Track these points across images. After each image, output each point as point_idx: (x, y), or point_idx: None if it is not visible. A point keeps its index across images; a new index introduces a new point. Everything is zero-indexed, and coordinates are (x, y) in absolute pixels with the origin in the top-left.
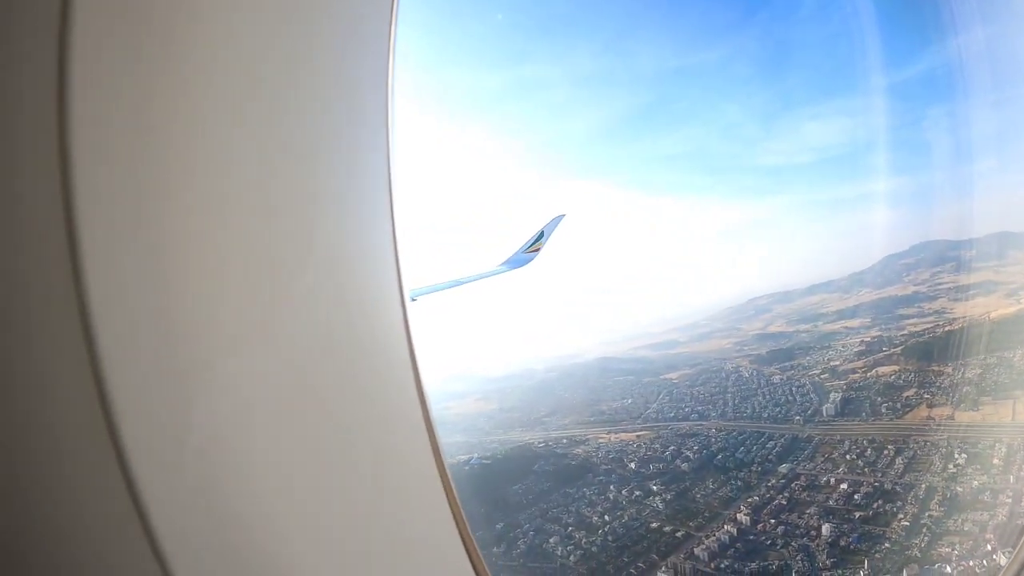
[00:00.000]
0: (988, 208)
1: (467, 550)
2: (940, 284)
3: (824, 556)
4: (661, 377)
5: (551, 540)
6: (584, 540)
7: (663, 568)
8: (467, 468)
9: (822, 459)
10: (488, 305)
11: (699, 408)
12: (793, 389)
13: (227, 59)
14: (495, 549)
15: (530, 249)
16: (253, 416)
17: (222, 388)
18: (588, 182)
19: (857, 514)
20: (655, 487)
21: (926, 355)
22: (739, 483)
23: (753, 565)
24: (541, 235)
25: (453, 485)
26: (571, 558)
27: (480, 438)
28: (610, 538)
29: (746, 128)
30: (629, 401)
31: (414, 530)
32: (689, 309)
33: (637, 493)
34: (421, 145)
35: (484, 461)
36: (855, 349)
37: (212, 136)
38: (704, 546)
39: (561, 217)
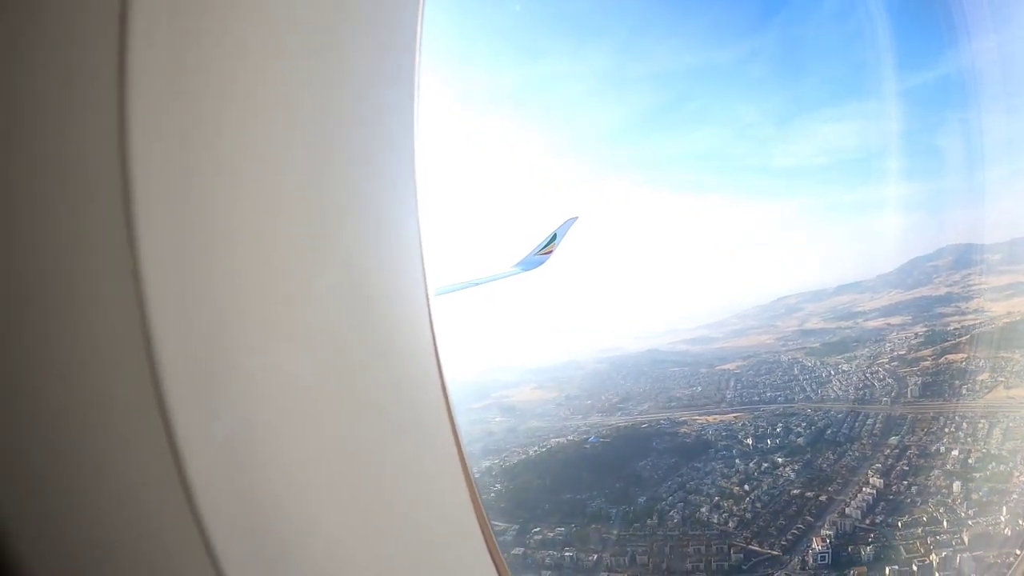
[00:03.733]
0: (1005, 214)
1: (487, 544)
2: (973, 285)
3: (964, 508)
4: (717, 368)
5: (702, 509)
6: (735, 508)
7: (823, 527)
8: (587, 447)
9: (923, 432)
10: (507, 304)
11: (779, 393)
12: (868, 375)
13: (254, 61)
14: (648, 521)
15: (543, 251)
16: (278, 410)
17: (248, 383)
18: (604, 180)
19: (976, 474)
20: (780, 459)
21: (993, 344)
22: (856, 454)
23: (906, 518)
24: (554, 237)
25: (475, 480)
26: (728, 524)
27: (560, 423)
28: (758, 505)
29: (762, 129)
30: (699, 389)
31: (436, 523)
32: (712, 307)
33: (765, 465)
34: (439, 143)
35: (604, 440)
36: (914, 341)
37: (240, 136)
38: (854, 505)
39: (574, 219)
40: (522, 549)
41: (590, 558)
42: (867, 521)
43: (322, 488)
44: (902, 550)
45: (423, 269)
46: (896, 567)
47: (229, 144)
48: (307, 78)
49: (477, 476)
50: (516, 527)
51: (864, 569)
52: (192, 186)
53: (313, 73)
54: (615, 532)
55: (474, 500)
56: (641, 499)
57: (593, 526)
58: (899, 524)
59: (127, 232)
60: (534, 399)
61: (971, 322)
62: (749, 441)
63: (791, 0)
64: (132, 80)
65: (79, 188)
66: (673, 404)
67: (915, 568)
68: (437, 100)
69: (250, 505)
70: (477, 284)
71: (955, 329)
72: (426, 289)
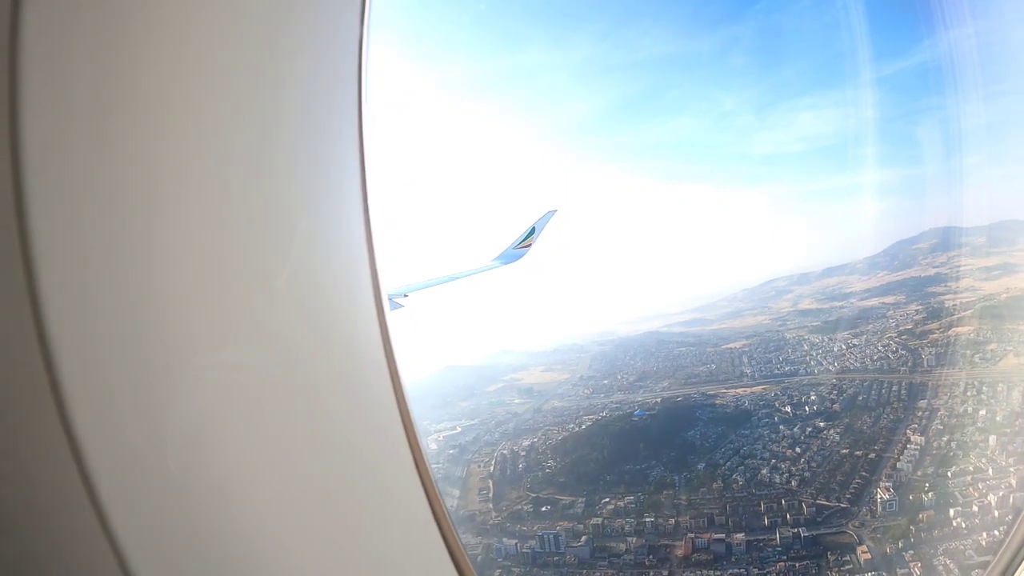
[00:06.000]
0: (984, 199)
1: (447, 542)
2: (960, 266)
3: (1004, 457)
4: (722, 347)
5: (763, 471)
6: (793, 468)
7: (880, 480)
8: (635, 419)
9: (947, 396)
10: (493, 293)
11: (797, 367)
12: (881, 347)
13: (192, 56)
14: (713, 485)
15: (522, 244)
16: (227, 415)
17: (196, 388)
18: (585, 169)
19: (1007, 429)
20: (822, 423)
21: (998, 316)
22: (891, 416)
23: (953, 468)
24: (533, 231)
25: (432, 478)
26: (791, 483)
27: (585, 402)
28: (813, 464)
29: (741, 117)
30: (713, 366)
31: (392, 525)
32: (699, 292)
33: (809, 429)
34: (413, 137)
35: (651, 412)
36: (916, 317)
37: (179, 135)
38: (903, 460)
39: (552, 212)
40: (599, 519)
41: (669, 522)
42: (918, 473)
43: (270, 488)
44: (958, 495)
45: (373, 268)
46: (959, 508)
47: (166, 146)
48: (246, 75)
49: (523, 454)
50: (583, 499)
51: (931, 512)
52: (119, 188)
53: (255, 76)
54: (684, 497)
55: (430, 492)
56: (700, 465)
57: (665, 492)
58: (948, 474)
59: (19, 236)
60: (547, 380)
61: (967, 299)
62: (787, 409)
63: None
64: (29, 71)
65: None
66: (694, 380)
67: (975, 508)
68: (418, 91)
69: (194, 505)
70: (456, 279)
71: (954, 305)
72: (376, 284)
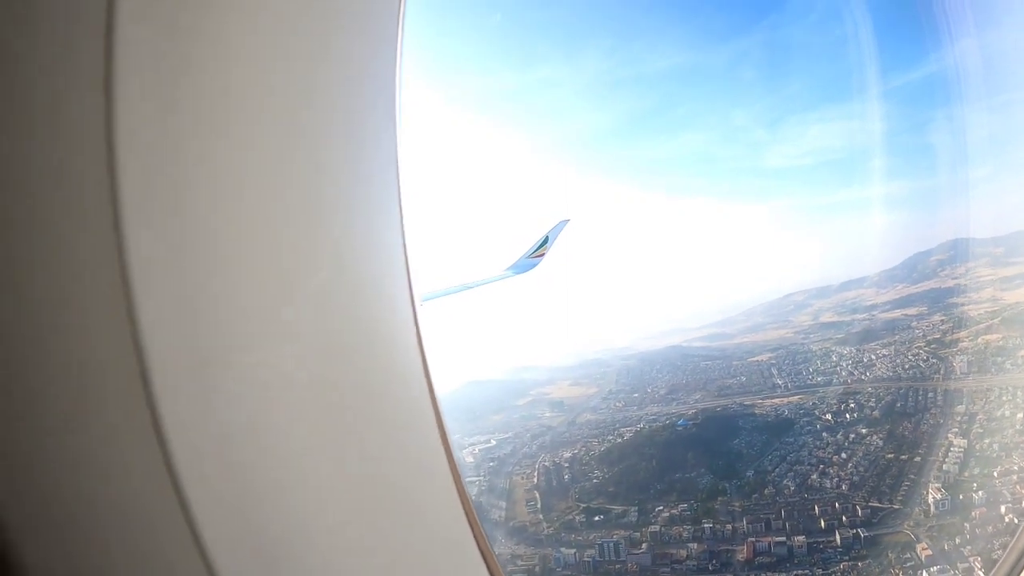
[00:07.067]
0: (997, 209)
1: (477, 542)
2: (981, 277)
3: None
4: (748, 360)
5: (812, 477)
6: (841, 473)
7: (928, 481)
8: (680, 428)
9: (983, 401)
10: (506, 306)
11: (830, 377)
12: (911, 356)
13: (241, 63)
14: (766, 491)
15: (535, 254)
16: (268, 411)
17: (239, 383)
18: (596, 184)
19: None
20: (864, 430)
21: None
22: (931, 421)
23: (999, 468)
24: (546, 240)
25: (463, 478)
26: (842, 487)
27: (619, 415)
28: (861, 468)
29: (751, 132)
30: (744, 378)
31: (424, 521)
32: (717, 307)
33: (852, 436)
34: (430, 148)
35: (695, 421)
36: (943, 327)
37: (228, 138)
38: (949, 462)
39: (565, 222)
40: (656, 527)
41: (727, 528)
42: (965, 474)
43: (315, 481)
44: (1007, 493)
45: (407, 270)
46: (1009, 505)
47: (219, 150)
48: (292, 84)
49: (565, 466)
50: (635, 508)
51: (984, 509)
52: (186, 190)
53: (298, 79)
54: (738, 503)
55: (461, 492)
56: (749, 473)
57: (718, 499)
58: (995, 474)
59: (116, 235)
60: (576, 394)
61: (992, 308)
62: (828, 417)
63: (779, 3)
64: (119, 84)
65: (70, 192)
66: (727, 392)
67: None
68: (430, 105)
69: (244, 498)
70: (471, 288)
71: (979, 315)
72: (410, 286)
